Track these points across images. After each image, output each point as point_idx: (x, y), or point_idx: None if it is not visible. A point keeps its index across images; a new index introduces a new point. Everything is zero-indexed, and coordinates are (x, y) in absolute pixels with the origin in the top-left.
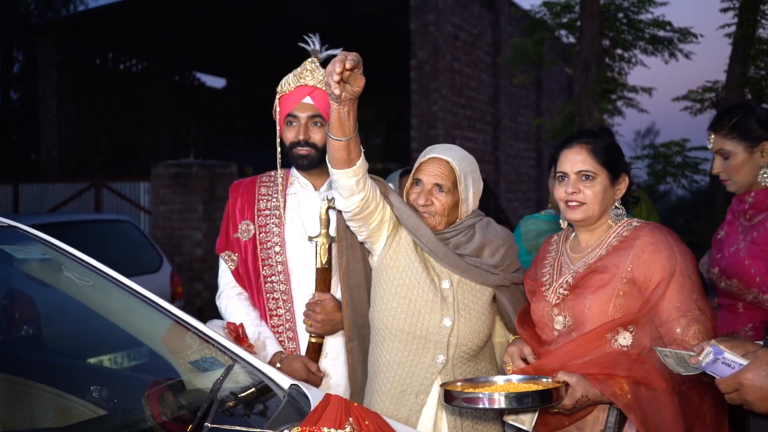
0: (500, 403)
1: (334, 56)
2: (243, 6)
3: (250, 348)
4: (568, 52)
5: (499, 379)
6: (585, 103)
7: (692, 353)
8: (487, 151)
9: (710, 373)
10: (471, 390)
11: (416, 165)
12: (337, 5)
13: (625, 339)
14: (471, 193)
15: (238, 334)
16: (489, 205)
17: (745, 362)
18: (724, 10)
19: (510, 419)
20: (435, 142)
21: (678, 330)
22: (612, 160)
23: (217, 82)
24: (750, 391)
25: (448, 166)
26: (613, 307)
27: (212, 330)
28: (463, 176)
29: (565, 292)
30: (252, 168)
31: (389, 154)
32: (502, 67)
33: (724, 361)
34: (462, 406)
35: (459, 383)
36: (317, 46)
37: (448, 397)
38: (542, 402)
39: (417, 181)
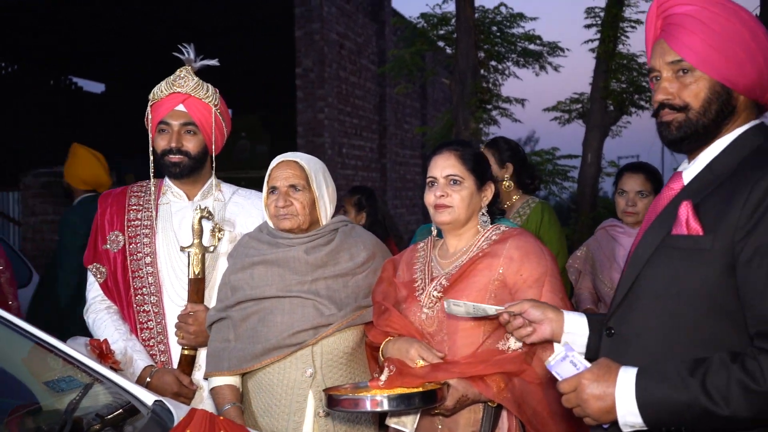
0: (383, 405)
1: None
2: (119, 10)
3: (115, 364)
4: (449, 63)
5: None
6: (462, 112)
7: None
8: (374, 158)
9: (555, 374)
10: (352, 393)
11: (267, 175)
12: (220, 12)
13: (516, 343)
14: (325, 191)
15: (101, 350)
16: (376, 215)
17: (589, 365)
18: (588, 26)
19: (392, 422)
20: (321, 149)
21: None
22: (479, 168)
23: (96, 87)
24: (585, 389)
25: (297, 165)
26: None
27: (74, 348)
28: (314, 173)
29: (439, 295)
30: (134, 175)
31: None
32: (387, 75)
33: (572, 360)
34: (345, 411)
35: (344, 388)
36: (192, 56)
37: (331, 402)
38: (426, 402)
39: (272, 189)
